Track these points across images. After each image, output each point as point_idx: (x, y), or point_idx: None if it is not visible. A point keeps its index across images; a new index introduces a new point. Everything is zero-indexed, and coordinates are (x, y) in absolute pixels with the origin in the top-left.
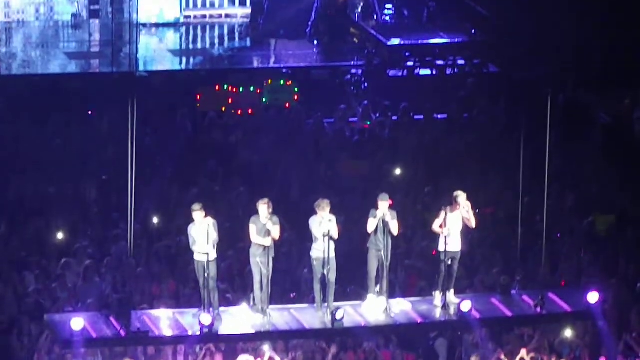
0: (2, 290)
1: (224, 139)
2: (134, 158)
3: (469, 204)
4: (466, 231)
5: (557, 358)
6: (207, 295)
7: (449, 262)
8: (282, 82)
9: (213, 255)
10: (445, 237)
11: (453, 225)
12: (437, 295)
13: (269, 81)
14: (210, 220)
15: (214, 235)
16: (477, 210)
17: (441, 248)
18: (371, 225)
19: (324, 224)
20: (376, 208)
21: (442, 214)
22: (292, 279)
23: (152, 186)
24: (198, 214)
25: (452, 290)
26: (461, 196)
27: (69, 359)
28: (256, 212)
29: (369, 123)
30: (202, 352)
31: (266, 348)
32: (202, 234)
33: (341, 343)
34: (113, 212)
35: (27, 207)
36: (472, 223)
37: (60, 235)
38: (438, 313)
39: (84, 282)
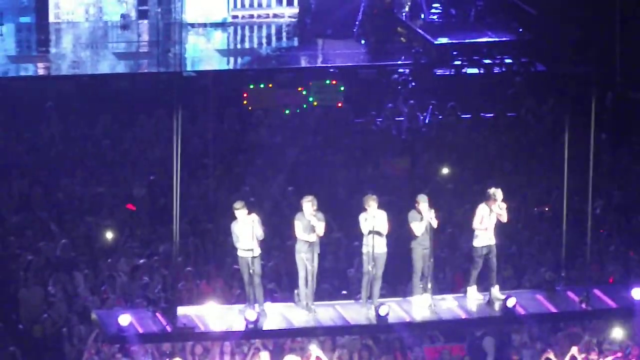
0: (53, 290)
1: (271, 138)
2: (179, 157)
3: (504, 204)
4: (499, 225)
5: (606, 357)
6: (252, 292)
7: (488, 256)
8: (327, 82)
9: (257, 251)
10: (482, 232)
11: (489, 221)
12: (471, 291)
13: (317, 82)
14: (254, 217)
15: (259, 231)
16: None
17: (477, 244)
18: (418, 228)
19: (369, 220)
20: (417, 210)
21: (481, 210)
22: (339, 277)
23: (200, 186)
24: (240, 212)
25: (496, 287)
26: (497, 192)
27: (118, 358)
28: (302, 210)
29: (424, 120)
30: (249, 350)
31: (313, 347)
32: (246, 231)
33: (387, 345)
34: (161, 212)
35: (76, 207)
36: (504, 218)
37: (109, 235)
38: (483, 309)
39: (133, 281)
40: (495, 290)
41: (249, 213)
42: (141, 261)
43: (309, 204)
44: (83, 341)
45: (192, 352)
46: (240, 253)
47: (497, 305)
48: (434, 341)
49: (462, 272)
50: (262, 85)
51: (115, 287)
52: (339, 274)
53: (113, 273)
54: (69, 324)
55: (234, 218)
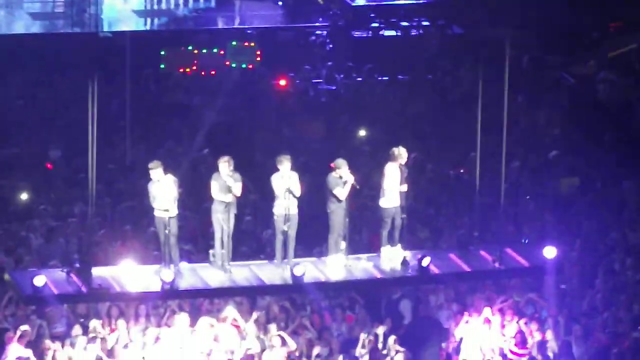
0: None
1: (188, 100)
2: (94, 119)
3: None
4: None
5: (521, 317)
6: (168, 252)
7: (394, 216)
8: (244, 43)
9: (174, 211)
10: (391, 193)
11: (398, 181)
12: (385, 251)
13: (233, 43)
14: (170, 177)
15: (174, 192)
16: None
17: (386, 204)
18: (342, 193)
19: (284, 179)
20: (338, 175)
21: (389, 169)
22: (256, 240)
23: (117, 148)
24: (155, 171)
25: (398, 245)
26: (402, 151)
27: (33, 320)
28: (218, 171)
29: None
30: (165, 312)
31: (229, 309)
32: (162, 191)
33: (304, 307)
34: (77, 173)
35: None
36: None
37: (24, 197)
38: (398, 269)
39: (48, 243)
40: (398, 248)
41: (166, 174)
42: (55, 223)
43: (225, 164)
44: None
45: (108, 314)
46: (156, 213)
47: (408, 264)
48: (353, 307)
49: (379, 234)
50: (190, 48)
51: (31, 249)
52: (256, 236)
53: (29, 234)
54: None
55: (151, 179)
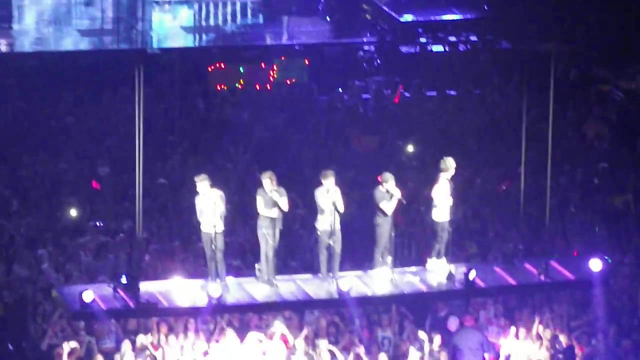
0: (17, 268)
1: (237, 115)
2: (141, 135)
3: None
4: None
5: (571, 332)
6: (214, 267)
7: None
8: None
9: (220, 227)
10: (441, 205)
11: (447, 192)
12: (431, 262)
13: (282, 58)
14: (217, 192)
15: (222, 207)
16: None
17: (437, 218)
18: (389, 207)
19: (330, 194)
20: (385, 189)
21: (439, 180)
22: (303, 255)
23: (165, 163)
24: (202, 184)
25: (443, 258)
26: (449, 161)
27: (82, 335)
28: (262, 186)
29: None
30: (215, 328)
31: (277, 325)
32: (209, 205)
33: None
34: (125, 190)
35: (40, 185)
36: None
37: (73, 213)
38: (444, 283)
39: (97, 259)
40: (443, 262)
41: (212, 187)
42: (105, 239)
43: (267, 180)
44: (47, 319)
45: (157, 331)
46: (203, 228)
47: (454, 277)
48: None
49: (430, 249)
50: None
51: (80, 264)
52: (304, 251)
53: (78, 251)
54: (33, 302)
55: (198, 193)
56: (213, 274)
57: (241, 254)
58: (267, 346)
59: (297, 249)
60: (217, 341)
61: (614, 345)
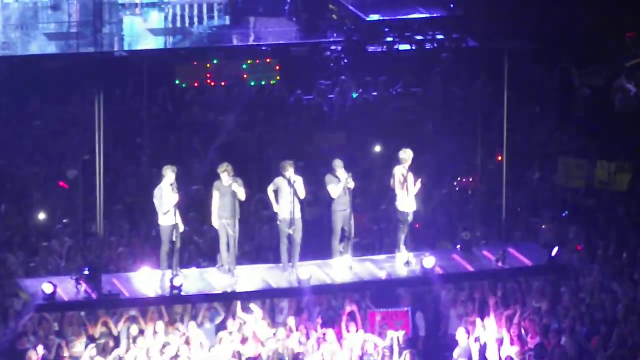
0: None
1: (204, 116)
2: (101, 137)
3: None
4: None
5: (539, 325)
6: (175, 259)
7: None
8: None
9: (179, 219)
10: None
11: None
12: (400, 254)
13: (249, 61)
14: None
15: (175, 198)
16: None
17: (400, 207)
18: (335, 190)
19: (288, 184)
20: (334, 174)
21: (397, 172)
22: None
23: (134, 164)
24: (168, 177)
25: (403, 247)
26: (406, 152)
27: (51, 339)
28: (219, 179)
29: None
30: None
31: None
32: (169, 198)
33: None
34: (94, 192)
35: (9, 188)
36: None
37: (42, 216)
38: (402, 270)
39: (67, 262)
40: (403, 251)
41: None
42: (71, 241)
43: (225, 173)
44: (17, 322)
45: (127, 335)
46: (162, 222)
47: (413, 265)
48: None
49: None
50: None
51: (48, 267)
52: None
53: (47, 254)
54: (3, 304)
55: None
56: (174, 266)
57: (207, 250)
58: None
59: (269, 249)
60: (187, 344)
61: (584, 341)
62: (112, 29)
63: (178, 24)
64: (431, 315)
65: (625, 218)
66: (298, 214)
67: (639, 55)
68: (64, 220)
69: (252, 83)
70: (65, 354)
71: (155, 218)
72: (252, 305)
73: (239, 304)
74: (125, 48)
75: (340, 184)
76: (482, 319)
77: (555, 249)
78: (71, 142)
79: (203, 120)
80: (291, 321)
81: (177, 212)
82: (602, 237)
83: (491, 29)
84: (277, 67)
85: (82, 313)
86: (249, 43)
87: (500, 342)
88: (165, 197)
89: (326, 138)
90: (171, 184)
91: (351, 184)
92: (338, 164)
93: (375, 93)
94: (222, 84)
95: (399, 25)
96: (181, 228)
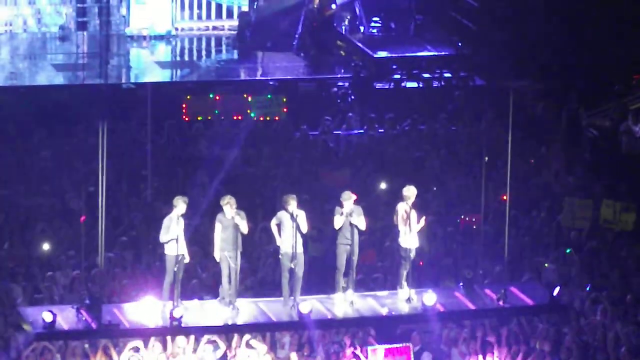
0: None
1: (210, 149)
2: (104, 169)
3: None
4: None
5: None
6: (177, 290)
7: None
8: (269, 95)
9: (186, 254)
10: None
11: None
12: (402, 291)
13: (255, 96)
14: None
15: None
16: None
17: (403, 244)
18: (338, 222)
19: (290, 219)
20: (341, 206)
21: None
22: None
23: (139, 197)
24: (179, 209)
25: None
26: (409, 190)
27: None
28: (222, 212)
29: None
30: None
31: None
32: (177, 229)
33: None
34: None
35: (14, 219)
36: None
37: (46, 247)
38: (404, 306)
39: (71, 293)
40: (405, 288)
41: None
42: (75, 272)
43: (227, 205)
44: (20, 353)
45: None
46: (168, 251)
47: (416, 302)
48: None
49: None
50: (211, 95)
51: (54, 298)
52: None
53: (51, 285)
54: (4, 335)
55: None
56: (175, 297)
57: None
58: None
59: (272, 283)
60: None
61: None
62: (119, 61)
63: (186, 57)
64: (437, 355)
65: (629, 258)
66: (300, 249)
67: None
68: (69, 252)
69: (258, 117)
70: None
71: (159, 250)
72: (254, 342)
73: (243, 341)
74: (133, 80)
75: (343, 215)
76: (485, 358)
77: (557, 289)
78: (77, 173)
79: (209, 153)
80: (293, 357)
81: (184, 243)
82: (606, 277)
83: (498, 68)
84: (284, 102)
85: (86, 345)
86: (257, 77)
87: None
88: (173, 227)
89: (331, 174)
90: (182, 215)
91: (361, 226)
92: (345, 197)
93: (381, 130)
94: (229, 117)
95: (406, 63)
96: (187, 259)
